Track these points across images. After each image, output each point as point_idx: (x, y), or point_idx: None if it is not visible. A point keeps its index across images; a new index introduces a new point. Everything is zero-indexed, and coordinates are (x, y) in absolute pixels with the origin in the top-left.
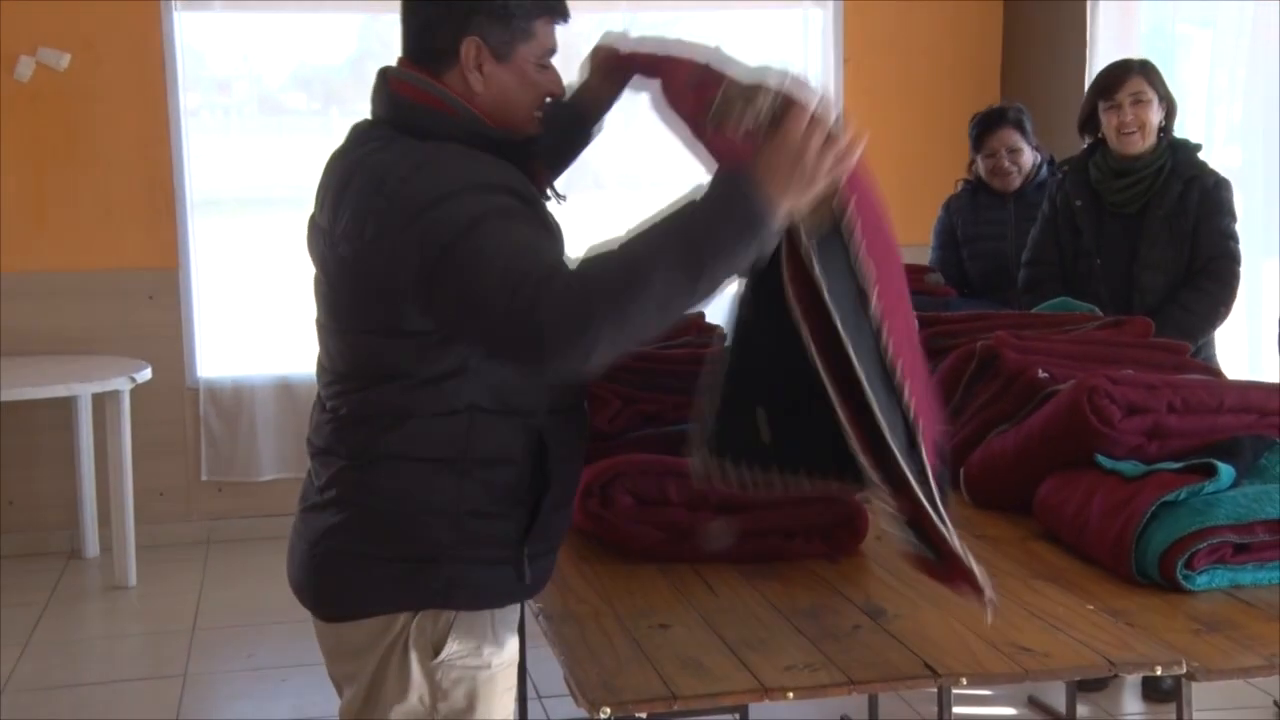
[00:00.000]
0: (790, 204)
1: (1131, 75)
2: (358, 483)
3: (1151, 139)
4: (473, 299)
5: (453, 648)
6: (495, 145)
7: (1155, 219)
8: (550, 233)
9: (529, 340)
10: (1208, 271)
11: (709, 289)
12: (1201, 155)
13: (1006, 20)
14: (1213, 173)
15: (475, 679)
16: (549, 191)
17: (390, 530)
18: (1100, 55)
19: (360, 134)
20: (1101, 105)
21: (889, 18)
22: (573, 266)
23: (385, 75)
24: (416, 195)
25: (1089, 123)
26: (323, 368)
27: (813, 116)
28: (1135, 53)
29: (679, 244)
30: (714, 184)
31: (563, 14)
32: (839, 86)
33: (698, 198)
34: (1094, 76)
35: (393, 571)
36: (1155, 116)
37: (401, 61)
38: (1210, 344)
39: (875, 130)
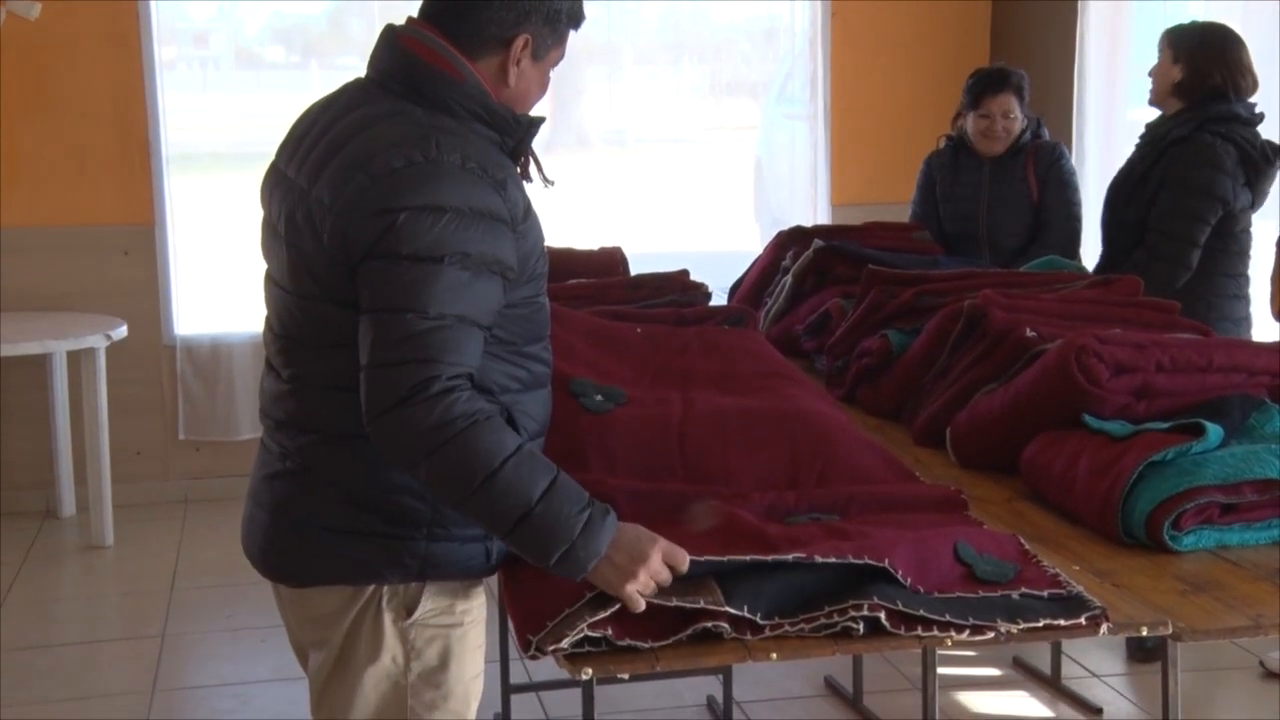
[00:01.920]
0: (598, 577)
1: (1162, 47)
2: (328, 458)
3: (1161, 96)
4: (379, 321)
5: (427, 606)
6: (498, 120)
7: (1127, 186)
8: (503, 266)
9: (380, 409)
10: (1145, 244)
11: (488, 527)
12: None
13: None
14: (1198, 141)
15: (449, 636)
16: (538, 174)
17: (362, 506)
18: (1093, 10)
19: (355, 93)
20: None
21: None
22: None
23: (395, 32)
24: (402, 190)
25: None
26: (274, 333)
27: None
28: (1127, 7)
29: (516, 504)
30: (584, 519)
31: (580, 26)
32: (826, 36)
33: (577, 506)
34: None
35: (365, 545)
36: (1165, 74)
37: (417, 23)
38: (1246, 301)
39: (860, 82)
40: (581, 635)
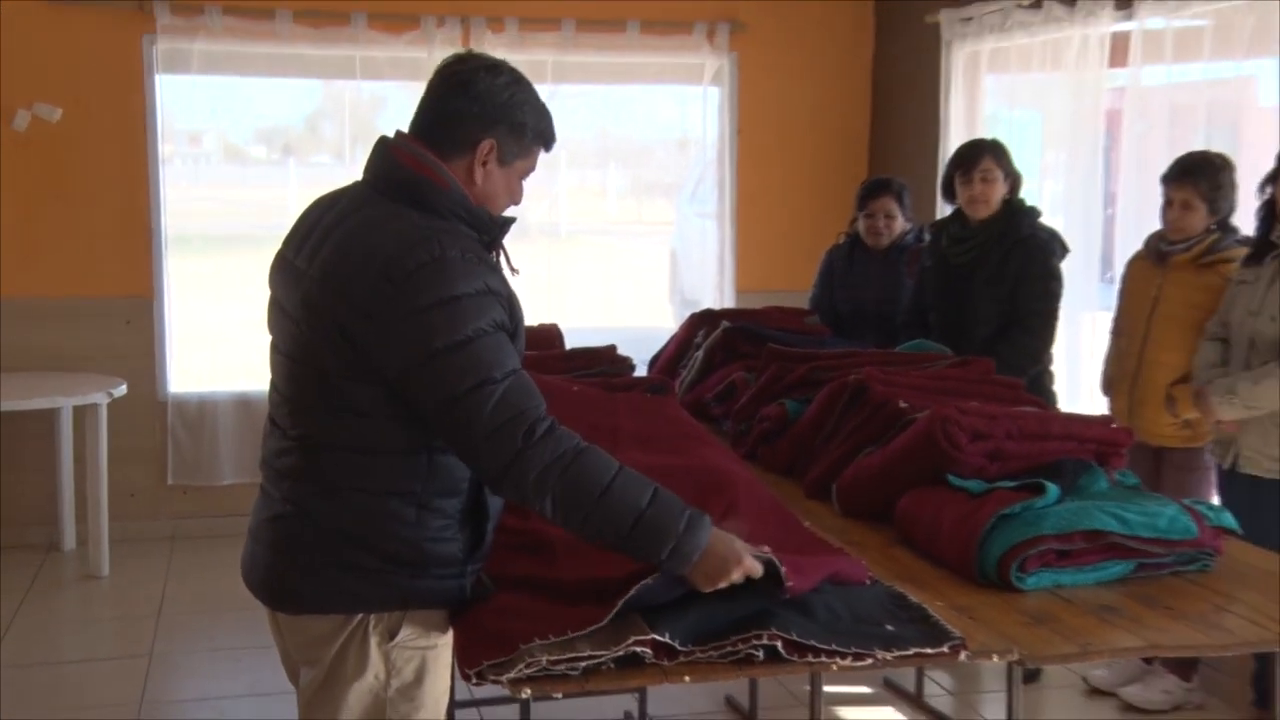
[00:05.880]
0: (699, 571)
1: (984, 157)
2: (327, 507)
3: (995, 208)
4: (460, 407)
5: (407, 631)
6: (477, 220)
7: (980, 280)
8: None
9: (502, 465)
10: (1020, 324)
11: (609, 537)
12: (1041, 219)
13: (875, 100)
14: (1036, 238)
15: (424, 656)
16: (507, 265)
17: (356, 546)
18: (953, 132)
19: (356, 196)
20: (958, 178)
21: (775, 96)
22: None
23: (386, 143)
24: (422, 290)
25: (948, 188)
26: (282, 397)
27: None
28: (979, 129)
29: (631, 510)
30: (685, 533)
31: (551, 146)
32: (732, 148)
33: (678, 509)
34: (954, 150)
35: (357, 579)
36: (1000, 191)
37: (405, 136)
38: (1047, 373)
39: (761, 187)
40: (535, 669)
